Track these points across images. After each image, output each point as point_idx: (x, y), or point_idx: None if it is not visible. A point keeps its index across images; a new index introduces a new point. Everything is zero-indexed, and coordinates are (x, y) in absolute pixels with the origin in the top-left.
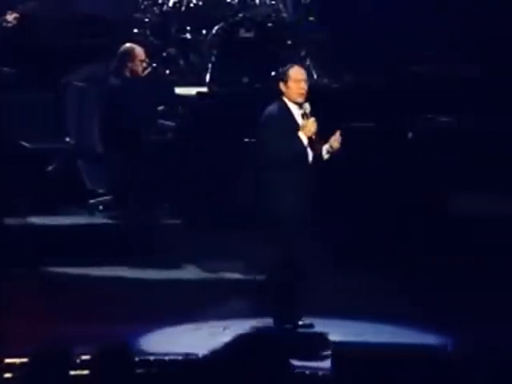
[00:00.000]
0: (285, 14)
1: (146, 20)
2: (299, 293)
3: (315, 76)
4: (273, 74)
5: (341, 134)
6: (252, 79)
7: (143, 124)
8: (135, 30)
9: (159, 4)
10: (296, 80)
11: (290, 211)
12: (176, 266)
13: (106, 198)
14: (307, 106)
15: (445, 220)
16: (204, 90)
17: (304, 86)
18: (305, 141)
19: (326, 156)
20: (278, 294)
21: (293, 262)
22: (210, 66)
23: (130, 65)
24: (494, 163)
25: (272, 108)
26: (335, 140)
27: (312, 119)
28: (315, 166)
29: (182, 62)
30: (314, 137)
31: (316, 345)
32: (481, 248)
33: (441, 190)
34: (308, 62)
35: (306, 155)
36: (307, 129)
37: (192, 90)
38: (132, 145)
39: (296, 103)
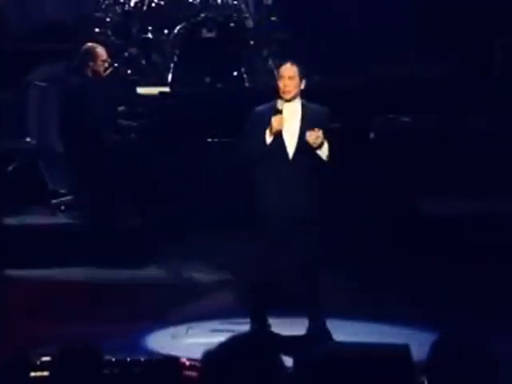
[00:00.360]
0: (247, 14)
1: (108, 19)
2: (281, 292)
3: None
4: (235, 74)
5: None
6: (214, 79)
7: (104, 124)
8: (96, 30)
9: (121, 3)
10: (281, 77)
11: (268, 211)
12: (139, 266)
13: (67, 198)
14: (279, 102)
15: (414, 221)
16: (166, 89)
17: (288, 83)
18: (268, 138)
19: (322, 156)
20: (257, 294)
21: (271, 260)
22: (172, 65)
23: (91, 64)
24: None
25: (259, 107)
26: (309, 135)
27: (280, 115)
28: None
29: (143, 61)
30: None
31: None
32: (453, 248)
33: (415, 190)
34: (270, 62)
35: (273, 153)
36: (272, 125)
37: (154, 90)
38: (93, 145)
39: (288, 100)
